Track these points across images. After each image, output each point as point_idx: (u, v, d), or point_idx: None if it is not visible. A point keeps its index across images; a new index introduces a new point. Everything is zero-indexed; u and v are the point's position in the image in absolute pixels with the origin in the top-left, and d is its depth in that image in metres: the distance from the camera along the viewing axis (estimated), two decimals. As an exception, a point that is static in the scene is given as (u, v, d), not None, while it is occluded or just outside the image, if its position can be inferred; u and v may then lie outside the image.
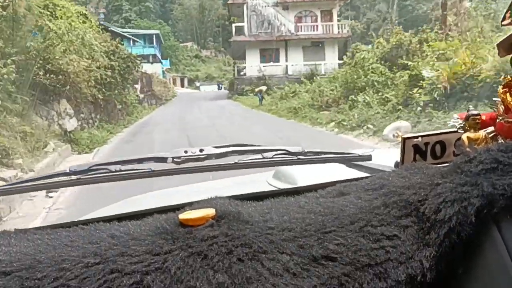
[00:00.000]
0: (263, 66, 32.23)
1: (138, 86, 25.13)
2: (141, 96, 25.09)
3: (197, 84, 65.64)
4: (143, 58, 40.44)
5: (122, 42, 18.88)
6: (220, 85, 54.83)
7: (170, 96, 36.09)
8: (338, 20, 33.81)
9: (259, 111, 22.31)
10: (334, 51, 32.04)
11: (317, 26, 32.76)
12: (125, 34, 37.45)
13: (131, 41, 40.57)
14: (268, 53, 33.92)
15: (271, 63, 32.78)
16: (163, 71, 45.16)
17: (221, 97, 34.04)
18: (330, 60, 31.21)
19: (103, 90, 15.59)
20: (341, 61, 27.69)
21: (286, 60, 32.67)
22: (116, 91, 17.82)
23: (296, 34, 32.35)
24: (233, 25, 34.28)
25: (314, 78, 24.18)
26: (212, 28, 70.37)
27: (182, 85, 62.36)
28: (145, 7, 60.13)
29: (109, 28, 24.58)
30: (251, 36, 33.16)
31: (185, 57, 65.42)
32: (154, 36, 47.77)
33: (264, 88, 26.49)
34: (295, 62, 31.67)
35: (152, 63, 41.85)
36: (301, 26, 32.77)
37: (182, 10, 67.60)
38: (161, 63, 46.95)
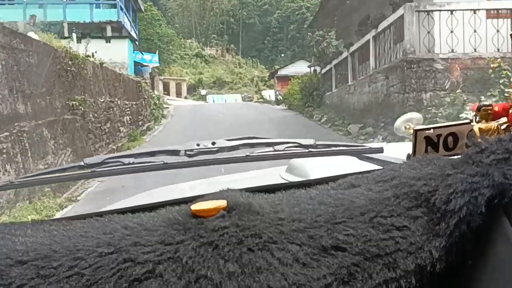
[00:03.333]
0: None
1: None
2: None
3: (202, 92, 47.34)
4: (92, 29, 22.54)
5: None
6: (277, 94, 39.08)
7: (151, 120, 18.62)
8: None
9: None
10: None
11: None
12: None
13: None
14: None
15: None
16: (135, 63, 27.46)
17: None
18: None
19: None
20: None
21: None
22: None
23: None
24: None
25: None
26: (216, 25, 64.04)
27: (179, 94, 49.67)
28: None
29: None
30: None
31: (182, 55, 54.02)
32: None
33: None
34: None
35: (109, 39, 21.18)
36: None
37: (179, 3, 62.51)
38: (133, 42, 27.15)
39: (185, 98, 46.58)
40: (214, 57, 56.93)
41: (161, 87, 44.35)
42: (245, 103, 40.20)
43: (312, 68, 32.74)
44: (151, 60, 38.18)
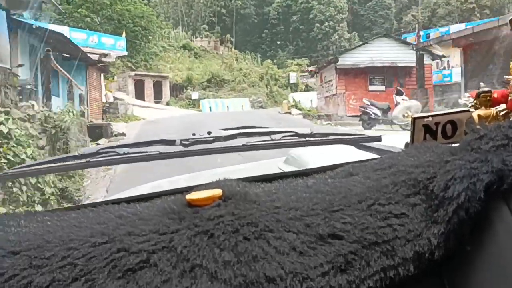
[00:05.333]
0: None
1: None
2: None
3: (193, 95, 36.38)
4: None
5: None
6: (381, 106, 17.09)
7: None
8: None
9: None
10: None
11: None
12: None
13: None
14: None
15: None
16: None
17: None
18: None
19: None
20: None
21: None
22: None
23: None
24: None
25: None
26: (205, 16, 55.34)
27: (159, 97, 34.78)
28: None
29: None
30: None
31: (166, 46, 40.65)
32: None
33: None
34: None
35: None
36: None
37: (163, -10, 56.08)
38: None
39: (167, 104, 31.87)
40: (206, 50, 46.29)
41: (131, 87, 30.00)
42: (266, 113, 27.49)
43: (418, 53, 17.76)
44: (113, 45, 26.94)
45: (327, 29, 55.61)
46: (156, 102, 32.63)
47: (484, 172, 0.66)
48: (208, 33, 51.33)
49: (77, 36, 24.16)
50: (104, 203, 0.81)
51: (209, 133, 1.14)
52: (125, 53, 28.42)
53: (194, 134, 1.14)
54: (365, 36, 56.99)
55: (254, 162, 2.21)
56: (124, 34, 27.98)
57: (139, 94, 32.52)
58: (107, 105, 22.85)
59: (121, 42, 26.94)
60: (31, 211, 0.81)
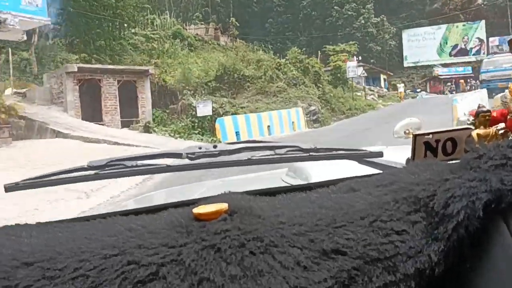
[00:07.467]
0: None
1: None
2: None
3: (200, 107, 17.28)
4: None
5: None
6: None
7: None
8: None
9: None
10: None
11: None
12: None
13: None
14: None
15: None
16: None
17: None
18: None
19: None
20: None
21: None
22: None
23: None
24: None
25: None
26: (197, 5, 47.02)
27: (132, 114, 18.94)
28: None
29: None
30: None
31: (149, 35, 28.97)
32: None
33: None
34: None
35: None
36: None
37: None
38: None
39: (146, 129, 17.37)
40: (203, 39, 35.28)
41: (71, 96, 15.92)
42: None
43: None
44: (15, 1, 13.82)
45: (350, 13, 48.34)
46: (124, 125, 18.46)
47: (483, 191, 0.70)
48: (202, 22, 43.75)
49: None
50: (112, 214, 0.86)
51: (215, 146, 1.19)
52: (46, 19, 15.68)
53: (200, 148, 1.18)
54: (392, 20, 46.18)
55: (258, 173, 2.33)
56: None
57: (90, 109, 18.07)
58: None
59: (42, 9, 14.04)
60: (42, 222, 0.86)
